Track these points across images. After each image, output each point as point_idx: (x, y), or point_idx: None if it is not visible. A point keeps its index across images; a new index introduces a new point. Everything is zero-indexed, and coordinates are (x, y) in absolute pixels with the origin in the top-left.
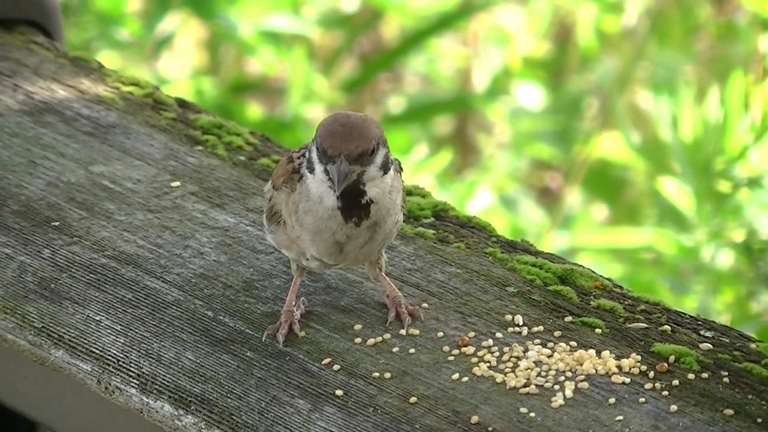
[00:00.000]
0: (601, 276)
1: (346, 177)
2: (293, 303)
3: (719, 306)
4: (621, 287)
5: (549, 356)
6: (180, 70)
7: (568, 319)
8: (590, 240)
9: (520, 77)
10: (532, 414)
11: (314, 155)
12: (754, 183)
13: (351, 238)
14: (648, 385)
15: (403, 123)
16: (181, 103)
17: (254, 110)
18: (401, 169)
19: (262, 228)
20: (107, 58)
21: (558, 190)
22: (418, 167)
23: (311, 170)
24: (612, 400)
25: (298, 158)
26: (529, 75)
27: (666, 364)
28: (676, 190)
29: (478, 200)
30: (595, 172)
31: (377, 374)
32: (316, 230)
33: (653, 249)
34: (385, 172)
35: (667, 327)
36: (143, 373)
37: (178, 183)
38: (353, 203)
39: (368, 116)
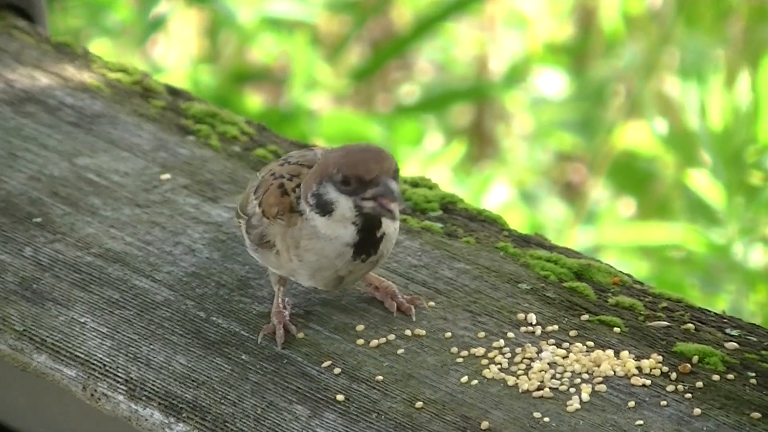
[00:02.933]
0: (620, 271)
1: (401, 194)
2: (281, 304)
3: (752, 306)
4: (641, 283)
5: (564, 357)
6: (178, 59)
7: (585, 317)
8: (616, 236)
9: (540, 64)
10: (547, 419)
11: (332, 194)
12: None
13: (353, 272)
14: (670, 388)
15: (417, 113)
16: (172, 91)
17: (254, 101)
18: None
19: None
20: (99, 46)
21: (582, 183)
22: (431, 159)
23: (325, 212)
24: (631, 404)
25: (293, 190)
26: (551, 61)
27: (689, 365)
28: (706, 183)
29: (494, 195)
30: (621, 164)
31: (381, 378)
32: (317, 267)
33: (682, 246)
34: None
35: (690, 325)
36: (131, 378)
37: (168, 176)
38: (369, 238)
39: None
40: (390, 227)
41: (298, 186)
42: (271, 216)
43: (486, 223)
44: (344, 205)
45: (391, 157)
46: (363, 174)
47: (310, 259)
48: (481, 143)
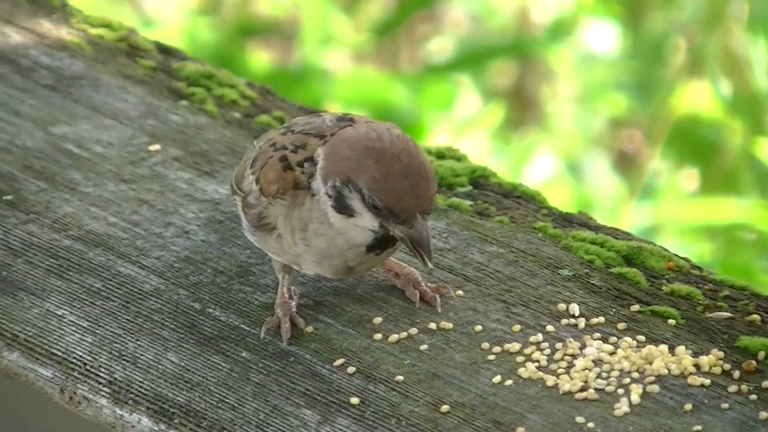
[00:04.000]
0: (675, 255)
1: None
2: (286, 293)
3: None
4: (700, 269)
5: (611, 354)
6: (174, 11)
7: (635, 308)
8: (676, 214)
9: (590, 15)
10: (591, 424)
11: (357, 205)
12: None
13: (365, 263)
14: (732, 388)
15: (449, 72)
16: (163, 49)
17: (260, 59)
18: None
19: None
20: None
21: (637, 153)
22: (465, 125)
23: (343, 212)
24: (688, 407)
25: (299, 164)
26: (602, 12)
27: (754, 362)
28: None
29: (537, 166)
30: (681, 130)
31: (401, 378)
32: (326, 255)
33: (751, 226)
34: None
35: (756, 316)
36: (116, 379)
37: (158, 146)
38: (386, 238)
39: (408, 138)
40: None
41: (306, 160)
42: (270, 194)
43: (522, 200)
44: (368, 220)
45: (431, 183)
46: (398, 211)
47: (318, 244)
48: (522, 107)
